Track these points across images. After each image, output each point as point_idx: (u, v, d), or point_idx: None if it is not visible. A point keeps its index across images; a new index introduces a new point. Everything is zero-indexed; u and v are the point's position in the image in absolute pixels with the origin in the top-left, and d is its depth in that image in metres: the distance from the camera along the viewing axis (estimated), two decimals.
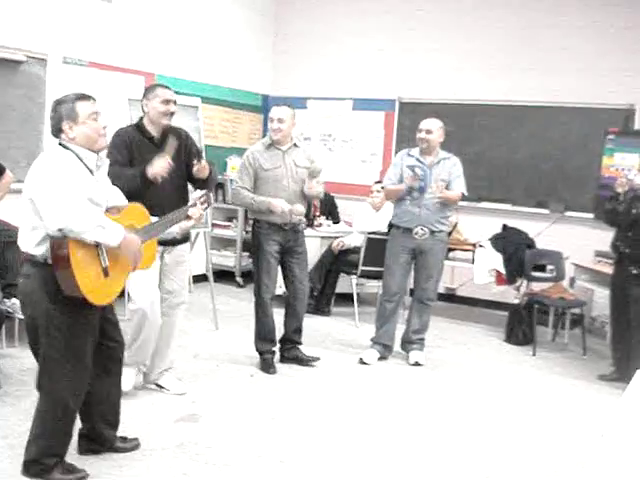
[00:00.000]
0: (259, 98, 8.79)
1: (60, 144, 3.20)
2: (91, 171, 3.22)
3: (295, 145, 5.14)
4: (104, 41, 6.42)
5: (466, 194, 5.55)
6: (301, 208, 5.00)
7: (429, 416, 4.49)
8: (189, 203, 4.00)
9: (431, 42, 7.91)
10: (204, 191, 4.12)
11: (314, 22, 8.59)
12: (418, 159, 5.40)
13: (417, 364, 5.49)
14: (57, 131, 3.21)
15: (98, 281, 3.10)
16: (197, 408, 4.28)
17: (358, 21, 8.32)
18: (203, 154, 4.55)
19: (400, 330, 5.69)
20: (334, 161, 8.22)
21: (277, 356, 5.29)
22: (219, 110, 8.08)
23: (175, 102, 4.28)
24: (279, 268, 5.20)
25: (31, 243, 3.10)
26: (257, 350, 5.20)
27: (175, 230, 3.95)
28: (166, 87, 4.35)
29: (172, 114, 4.25)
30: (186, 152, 4.30)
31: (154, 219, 3.57)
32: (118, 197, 3.44)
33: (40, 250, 3.08)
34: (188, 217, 3.85)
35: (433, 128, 5.38)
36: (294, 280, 5.19)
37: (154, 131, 4.24)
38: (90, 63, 6.24)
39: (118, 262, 3.20)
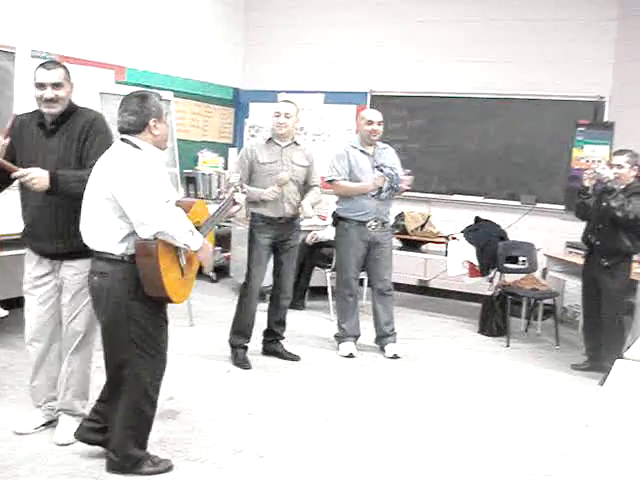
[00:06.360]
0: (230, 92, 8.74)
1: (128, 142, 3.17)
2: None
3: (295, 143, 5.17)
4: (73, 34, 6.32)
5: None
6: (284, 175, 4.94)
7: (407, 409, 4.51)
8: (230, 189, 3.83)
9: (402, 35, 7.93)
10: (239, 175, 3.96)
11: (284, 15, 8.56)
12: (362, 150, 5.48)
13: (396, 357, 5.53)
14: (141, 126, 3.19)
15: (178, 281, 3.21)
16: (175, 404, 4.25)
17: (329, 14, 8.31)
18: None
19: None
20: None
21: (257, 349, 5.31)
22: (190, 104, 8.03)
23: (57, 85, 3.40)
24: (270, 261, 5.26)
25: (111, 242, 3.13)
26: (230, 343, 5.21)
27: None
28: (47, 66, 3.46)
29: (52, 100, 3.40)
30: (80, 143, 3.47)
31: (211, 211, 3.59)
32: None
33: (120, 248, 3.12)
34: (235, 203, 3.77)
35: (382, 119, 5.50)
36: (281, 272, 5.25)
37: (47, 118, 3.48)
38: (59, 57, 6.13)
39: (190, 263, 3.32)
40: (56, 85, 3.41)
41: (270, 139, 5.12)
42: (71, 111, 3.50)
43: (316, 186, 5.25)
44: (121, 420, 3.29)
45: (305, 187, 5.20)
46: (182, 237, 3.11)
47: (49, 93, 3.39)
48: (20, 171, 3.24)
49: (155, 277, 3.07)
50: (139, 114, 3.18)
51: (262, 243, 5.12)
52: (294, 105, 5.14)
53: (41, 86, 3.40)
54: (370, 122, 5.45)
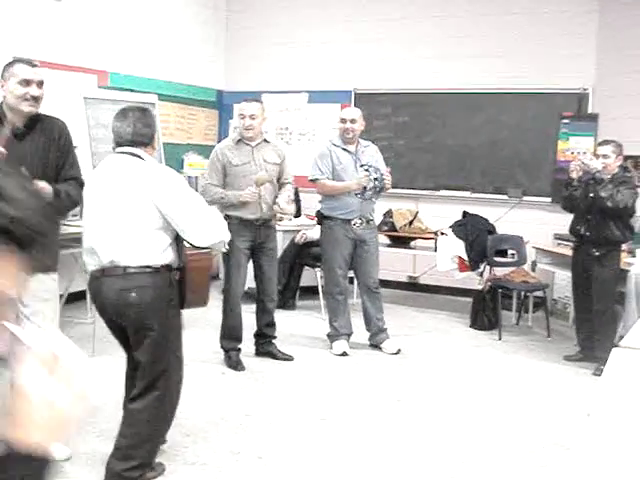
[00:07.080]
0: (213, 93, 8.71)
1: (133, 155, 3.15)
2: None
3: (265, 141, 5.10)
4: (55, 40, 6.27)
5: None
6: (263, 174, 4.85)
7: (403, 405, 4.51)
8: None
9: (385, 32, 7.92)
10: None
11: (266, 15, 8.53)
12: (345, 149, 5.46)
13: (399, 352, 5.58)
14: (151, 139, 3.21)
15: None
16: None
17: (310, 13, 8.30)
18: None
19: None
20: (291, 155, 8.16)
21: (250, 351, 5.29)
22: (174, 107, 7.99)
23: (41, 83, 3.32)
24: (250, 264, 5.18)
25: (153, 254, 3.08)
26: (222, 347, 5.19)
27: None
28: (30, 63, 3.38)
29: (36, 99, 3.29)
30: (57, 151, 3.39)
31: None
32: None
33: (161, 259, 3.10)
34: None
35: (356, 117, 5.46)
36: (263, 277, 5.18)
37: (15, 120, 3.31)
38: (41, 62, 6.07)
39: None
40: (41, 84, 3.32)
41: (240, 140, 5.02)
42: (36, 116, 3.37)
43: (289, 183, 5.19)
44: (143, 432, 3.22)
45: (278, 184, 5.13)
46: (228, 238, 3.19)
47: (35, 91, 3.27)
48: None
49: (205, 284, 3.16)
50: (151, 126, 3.21)
51: (240, 247, 4.99)
52: (259, 104, 5.04)
53: (26, 83, 3.27)
54: (343, 120, 5.45)
